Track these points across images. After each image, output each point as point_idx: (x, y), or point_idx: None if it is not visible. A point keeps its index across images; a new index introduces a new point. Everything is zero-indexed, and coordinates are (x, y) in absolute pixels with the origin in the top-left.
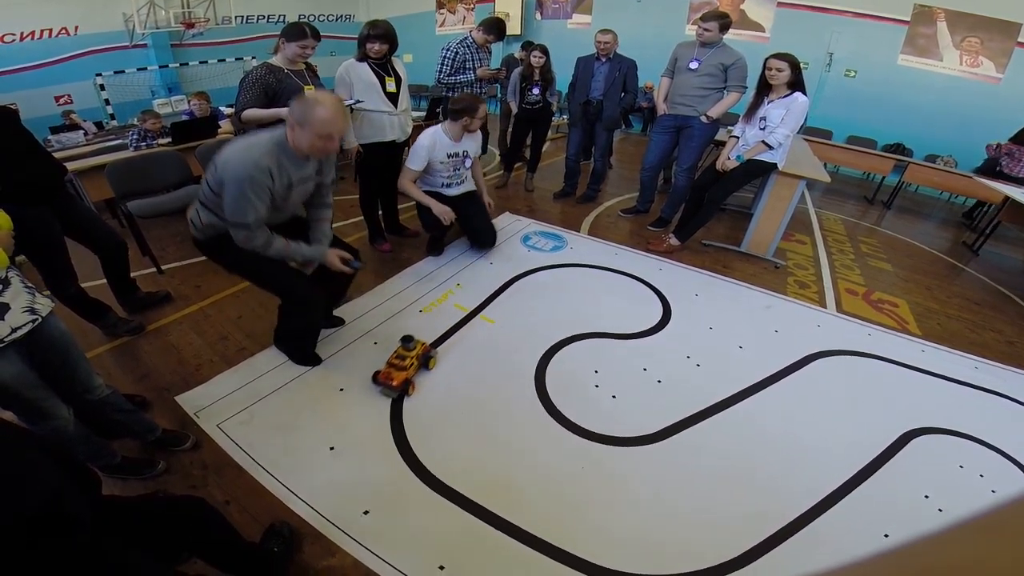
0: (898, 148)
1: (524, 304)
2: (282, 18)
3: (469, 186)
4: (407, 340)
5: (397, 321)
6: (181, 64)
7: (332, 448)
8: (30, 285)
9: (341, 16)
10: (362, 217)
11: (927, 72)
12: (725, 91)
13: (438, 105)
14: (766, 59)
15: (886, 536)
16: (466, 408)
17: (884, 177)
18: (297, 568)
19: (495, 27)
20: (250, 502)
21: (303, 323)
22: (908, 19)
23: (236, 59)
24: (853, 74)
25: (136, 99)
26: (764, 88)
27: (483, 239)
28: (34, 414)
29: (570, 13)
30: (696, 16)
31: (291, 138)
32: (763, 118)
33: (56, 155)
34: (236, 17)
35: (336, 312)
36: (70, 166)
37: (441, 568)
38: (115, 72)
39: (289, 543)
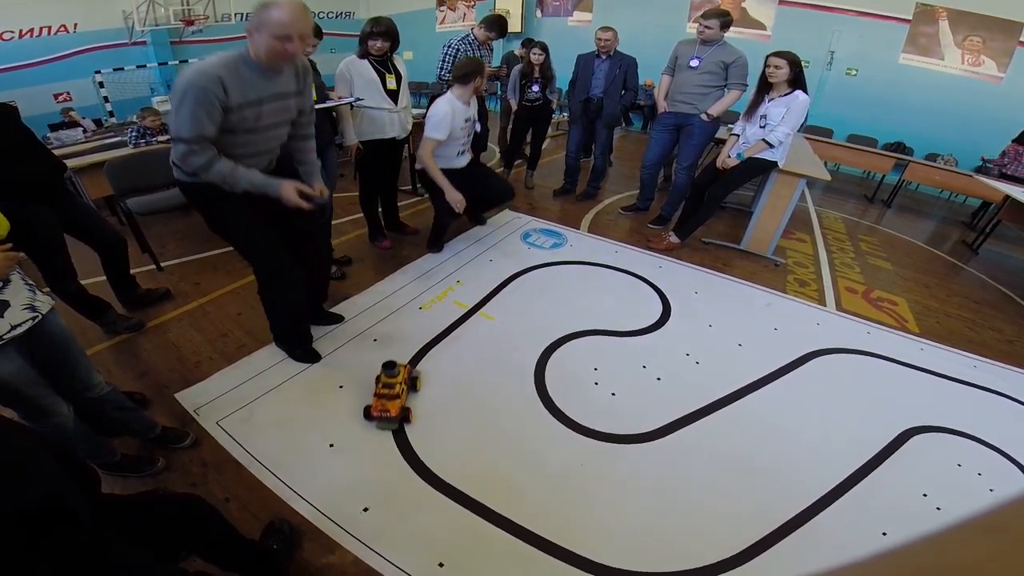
0: (899, 147)
1: (524, 301)
2: None
3: (469, 153)
4: (389, 367)
5: (397, 318)
6: (181, 61)
7: (332, 445)
8: (30, 282)
9: (341, 13)
10: (362, 214)
11: (928, 71)
12: (726, 89)
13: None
14: (767, 57)
15: (884, 535)
16: (466, 405)
17: (884, 176)
18: (297, 566)
19: (497, 24)
20: (250, 499)
21: (282, 303)
22: (910, 18)
23: None
24: (854, 72)
25: (135, 96)
26: (765, 86)
27: (503, 194)
28: (34, 411)
29: (571, 10)
30: (697, 14)
31: (252, 49)
32: (763, 116)
33: (55, 152)
34: (236, 14)
35: (334, 309)
36: (69, 163)
37: (441, 565)
38: (114, 69)
39: (289, 540)
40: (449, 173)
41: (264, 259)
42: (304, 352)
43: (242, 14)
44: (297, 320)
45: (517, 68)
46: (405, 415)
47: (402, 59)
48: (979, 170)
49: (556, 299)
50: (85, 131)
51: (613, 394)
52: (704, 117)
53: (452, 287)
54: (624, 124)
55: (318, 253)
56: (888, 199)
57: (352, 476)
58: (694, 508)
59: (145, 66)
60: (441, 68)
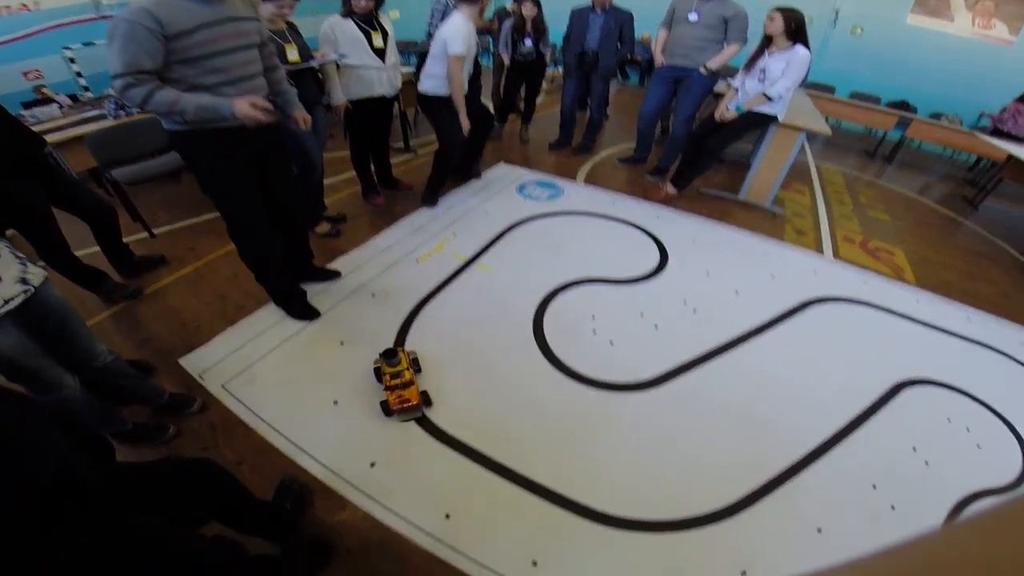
0: (902, 105)
1: (521, 251)
2: None
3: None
4: (389, 355)
5: (394, 272)
6: None
7: (336, 402)
8: (21, 256)
9: None
10: (354, 173)
11: (937, 32)
12: (725, 43)
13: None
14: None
15: (874, 487)
16: (465, 356)
17: (887, 132)
18: (311, 524)
19: None
20: (260, 461)
21: (259, 262)
22: None
23: None
24: (860, 31)
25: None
26: (766, 40)
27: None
28: (39, 385)
29: None
30: None
31: None
32: (763, 70)
33: (34, 128)
34: None
35: (331, 265)
36: (49, 139)
37: (447, 517)
38: (84, 44)
39: (301, 499)
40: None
41: (237, 216)
42: (302, 309)
43: None
44: (282, 279)
45: (509, 22)
46: (426, 399)
47: (388, 17)
48: (977, 125)
49: (553, 249)
50: (61, 106)
51: (611, 342)
52: (702, 71)
53: (449, 239)
54: (621, 78)
55: (293, 210)
56: (889, 155)
57: (357, 432)
58: (690, 458)
59: None
60: (431, 24)
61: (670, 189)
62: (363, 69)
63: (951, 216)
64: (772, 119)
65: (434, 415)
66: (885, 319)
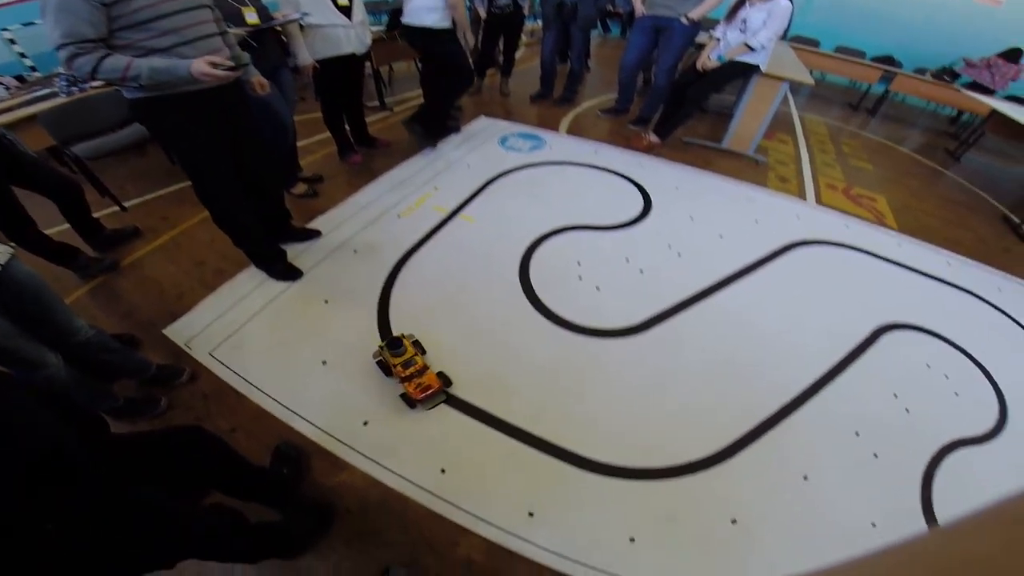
0: (887, 60)
1: (504, 202)
2: None
3: None
4: (394, 346)
5: (376, 228)
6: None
7: (325, 362)
8: None
9: None
10: (329, 134)
11: None
12: None
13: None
14: None
15: (857, 435)
16: (452, 307)
17: (870, 86)
18: (310, 487)
19: None
20: (255, 427)
21: (234, 226)
22: None
23: None
24: None
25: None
26: None
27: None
28: (21, 364)
29: None
30: None
31: None
32: (744, 20)
33: None
34: None
35: (310, 225)
36: None
37: (443, 471)
38: (24, 24)
39: (297, 463)
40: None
41: (208, 182)
42: (283, 269)
43: None
44: (260, 241)
45: None
46: (445, 379)
47: None
48: (950, 71)
49: (537, 198)
50: (8, 88)
51: (597, 288)
52: (684, 20)
53: (430, 193)
54: (602, 30)
55: (265, 172)
56: (873, 108)
57: (348, 391)
58: (678, 404)
59: None
60: None
61: (653, 138)
62: (329, 28)
63: (933, 167)
64: (754, 69)
65: None
66: (867, 262)
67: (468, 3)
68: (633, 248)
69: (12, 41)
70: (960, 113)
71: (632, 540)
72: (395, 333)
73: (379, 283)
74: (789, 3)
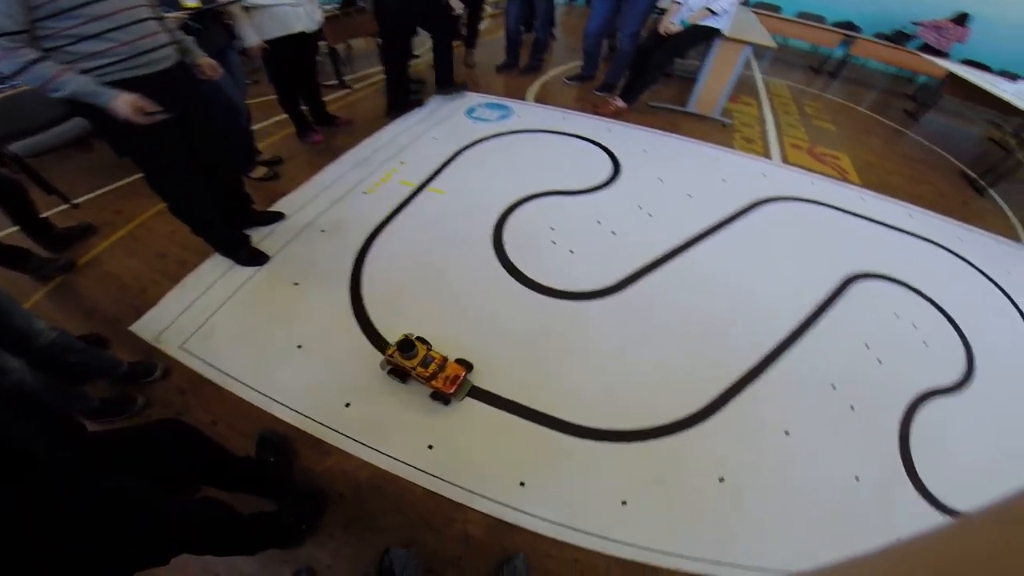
0: (847, 26)
1: (474, 172)
2: None
3: None
4: (406, 349)
5: (342, 206)
6: None
7: (300, 346)
8: None
9: None
10: (286, 115)
11: None
12: None
13: None
14: None
15: (833, 387)
16: (426, 280)
17: (832, 50)
18: (300, 474)
19: None
20: (235, 418)
21: (192, 215)
22: None
23: None
24: None
25: None
26: None
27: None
28: None
29: None
30: None
31: None
32: None
33: None
34: None
35: (273, 208)
36: None
37: (430, 447)
38: None
39: (283, 451)
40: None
41: (158, 171)
42: (248, 255)
43: None
44: (220, 227)
45: None
46: (468, 365)
47: None
48: (903, 34)
49: (507, 167)
50: None
51: (571, 252)
52: None
53: (396, 168)
54: None
55: (219, 157)
56: (834, 71)
57: (327, 373)
58: (658, 364)
59: None
60: None
61: (619, 103)
62: (275, 7)
63: (894, 127)
64: (717, 33)
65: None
66: (832, 216)
67: None
68: (604, 211)
69: None
70: (918, 75)
71: (624, 503)
72: (393, 338)
73: (349, 261)
74: None
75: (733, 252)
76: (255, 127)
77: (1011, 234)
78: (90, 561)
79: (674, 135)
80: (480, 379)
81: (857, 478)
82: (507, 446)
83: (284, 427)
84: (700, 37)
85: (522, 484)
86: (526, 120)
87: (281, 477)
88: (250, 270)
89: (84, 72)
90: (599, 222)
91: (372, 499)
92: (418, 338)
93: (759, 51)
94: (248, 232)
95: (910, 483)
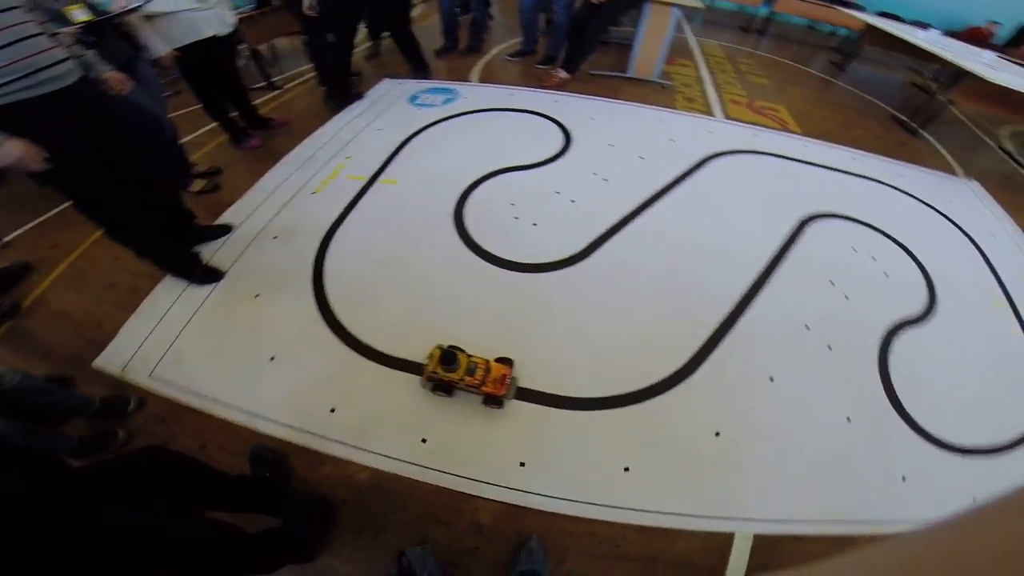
0: None
1: (426, 158)
2: None
3: None
4: (448, 361)
5: (291, 210)
6: None
7: (273, 358)
8: None
9: None
10: (216, 123)
11: None
12: None
13: None
14: None
15: (807, 328)
16: (391, 273)
17: (757, 8)
18: (299, 484)
19: None
20: (222, 438)
21: (131, 239)
22: None
23: None
24: None
25: None
26: None
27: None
28: None
29: None
30: None
31: None
32: None
33: None
34: None
35: (219, 220)
36: None
37: (424, 441)
38: None
39: (276, 464)
40: None
41: (84, 196)
42: (201, 273)
43: None
44: (164, 248)
45: None
46: (509, 361)
47: None
48: None
49: (460, 149)
50: None
51: (535, 224)
52: None
53: (342, 164)
54: None
55: (146, 173)
56: (762, 29)
57: (305, 380)
58: (633, 326)
59: None
60: None
61: (562, 74)
62: (180, 13)
63: (823, 78)
64: None
65: (375, 340)
66: (779, 164)
67: None
68: (561, 181)
69: None
70: (837, 29)
71: (627, 470)
72: (427, 352)
73: (308, 265)
74: None
75: (690, 208)
76: (186, 139)
77: (948, 168)
78: None
79: (618, 101)
80: None
81: (848, 419)
82: (499, 429)
83: (273, 441)
84: (631, 3)
85: (522, 464)
86: (473, 101)
87: (280, 491)
88: (206, 288)
89: None
90: (558, 192)
91: (376, 501)
92: (450, 347)
93: (689, 14)
94: (197, 249)
95: (899, 418)
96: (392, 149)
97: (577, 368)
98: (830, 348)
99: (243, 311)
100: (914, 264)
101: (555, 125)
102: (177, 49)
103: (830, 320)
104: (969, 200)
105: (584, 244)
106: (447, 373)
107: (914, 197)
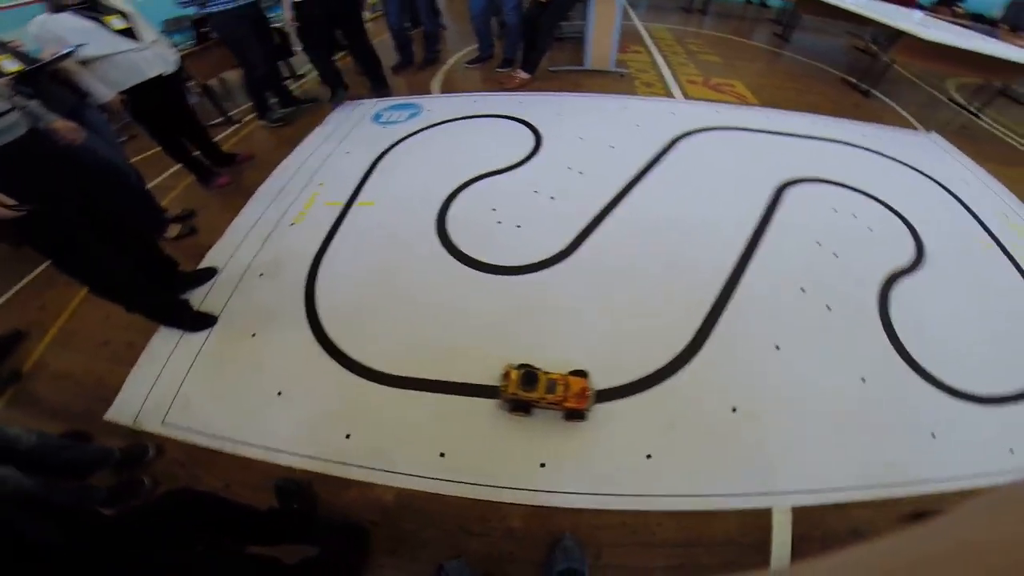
0: None
1: (400, 176)
2: None
3: None
4: (530, 381)
5: (272, 244)
6: None
7: (280, 393)
8: None
9: None
10: (180, 165)
11: None
12: None
13: (204, 26)
14: None
15: (803, 291)
16: (382, 294)
17: None
18: (326, 511)
19: None
20: (245, 476)
21: (115, 290)
22: None
23: None
24: None
25: None
26: None
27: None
28: None
29: None
30: None
31: None
32: None
33: None
34: None
35: (203, 264)
36: None
37: (442, 455)
38: None
39: (303, 495)
40: None
41: (61, 255)
42: (193, 319)
43: None
44: (152, 299)
45: None
46: (583, 373)
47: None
48: None
49: (432, 162)
50: None
51: (518, 226)
52: None
53: (317, 191)
54: None
55: (121, 224)
56: (704, 8)
57: (315, 411)
58: (632, 313)
59: None
60: None
61: (522, 75)
62: (118, 55)
63: (771, 50)
64: None
65: (378, 362)
66: (745, 137)
67: None
68: (538, 180)
69: None
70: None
71: (649, 457)
72: (504, 369)
73: (299, 297)
74: None
75: (668, 190)
76: (152, 184)
77: (907, 124)
78: None
79: (581, 94)
80: (467, 374)
81: (863, 379)
82: (515, 433)
83: (294, 473)
84: None
85: (543, 465)
86: (438, 113)
87: (310, 520)
88: (202, 334)
89: None
90: (536, 192)
91: (406, 519)
92: (521, 365)
93: (633, 0)
94: (186, 296)
95: (914, 372)
96: (364, 171)
97: (582, 362)
98: (829, 308)
99: (243, 351)
100: (895, 217)
101: (524, 126)
102: (122, 92)
103: (824, 280)
104: (934, 152)
105: (570, 239)
106: (527, 393)
107: (881, 154)
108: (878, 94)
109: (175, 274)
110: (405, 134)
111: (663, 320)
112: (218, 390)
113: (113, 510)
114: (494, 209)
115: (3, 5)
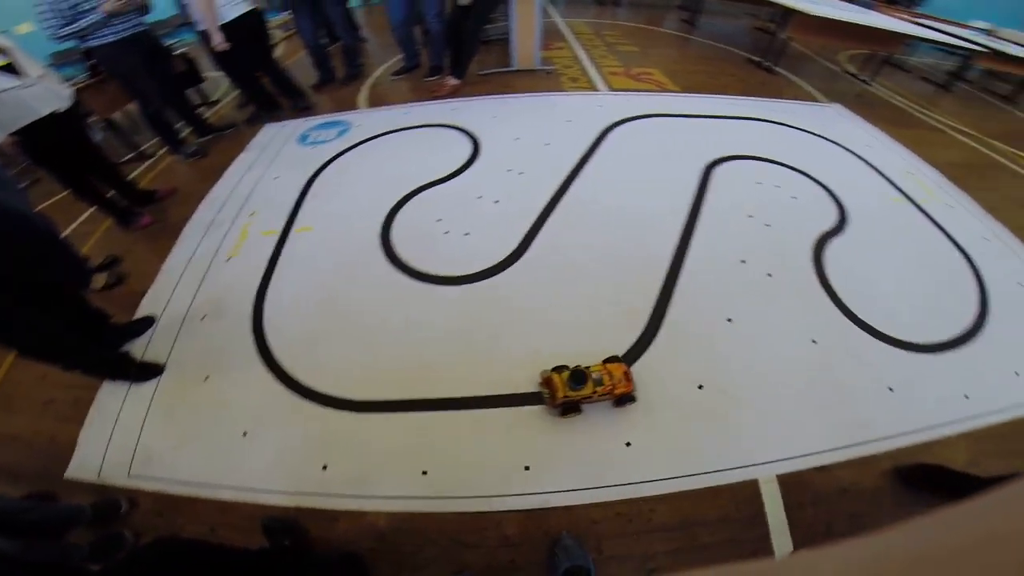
0: None
1: (336, 197)
2: None
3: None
4: (579, 380)
5: (210, 282)
6: None
7: (245, 433)
8: None
9: None
10: (93, 207)
11: None
12: None
13: (92, 58)
14: None
15: (743, 263)
16: (333, 319)
17: None
18: (320, 545)
19: None
20: (228, 519)
21: (44, 351)
22: None
23: None
24: None
25: None
26: None
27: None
28: None
29: None
30: None
31: None
32: None
33: None
34: None
35: (138, 315)
36: None
37: (424, 473)
38: None
39: (291, 531)
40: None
41: None
42: (138, 371)
43: None
44: (87, 354)
45: None
46: (618, 358)
47: (7, 36)
48: None
49: (369, 178)
50: None
51: (466, 234)
52: None
53: (249, 221)
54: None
55: (28, 279)
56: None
57: (286, 447)
58: (586, 306)
59: None
60: (50, 26)
61: (452, 81)
62: (3, 94)
63: (681, 35)
64: None
65: (341, 389)
66: (669, 122)
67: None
68: (480, 186)
69: None
70: None
71: (628, 444)
72: (542, 376)
73: (247, 334)
74: None
75: (604, 180)
76: (66, 231)
77: (810, 97)
78: None
79: (511, 95)
80: (433, 389)
81: (814, 340)
82: (491, 440)
83: (278, 510)
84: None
85: (527, 468)
86: (368, 128)
87: (305, 555)
88: (150, 384)
89: None
90: (479, 197)
91: (403, 541)
92: (557, 367)
93: None
94: (126, 348)
95: (859, 328)
96: (297, 195)
97: (549, 359)
98: (770, 275)
99: (198, 397)
100: (814, 183)
101: (459, 132)
102: (14, 134)
103: (760, 250)
104: (839, 121)
105: (519, 240)
106: (578, 392)
107: (794, 127)
108: (781, 71)
109: (109, 327)
110: (336, 152)
111: (616, 307)
112: (180, 437)
113: (99, 565)
114: (439, 219)
115: None
